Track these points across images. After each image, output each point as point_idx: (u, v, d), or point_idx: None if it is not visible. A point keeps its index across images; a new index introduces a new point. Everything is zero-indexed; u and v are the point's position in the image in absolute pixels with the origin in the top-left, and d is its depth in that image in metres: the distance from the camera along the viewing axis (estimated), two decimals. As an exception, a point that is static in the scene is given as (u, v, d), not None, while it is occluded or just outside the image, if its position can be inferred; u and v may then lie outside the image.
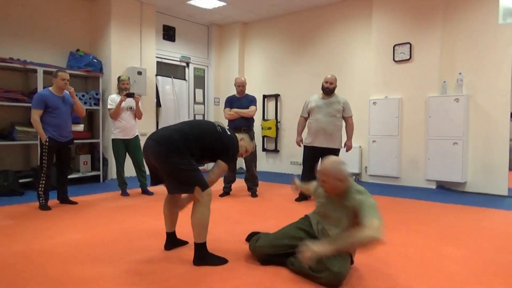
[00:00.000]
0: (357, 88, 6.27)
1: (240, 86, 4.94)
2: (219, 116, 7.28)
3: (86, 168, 5.95)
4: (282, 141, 7.37)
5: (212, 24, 7.84)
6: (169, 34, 7.22)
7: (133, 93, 4.80)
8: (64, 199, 4.33)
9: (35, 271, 2.37)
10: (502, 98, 5.05)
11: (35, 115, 3.96)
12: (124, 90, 4.80)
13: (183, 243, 2.84)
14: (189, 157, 2.45)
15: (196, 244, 2.48)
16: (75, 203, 4.33)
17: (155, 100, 6.85)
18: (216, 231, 3.19)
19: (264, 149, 7.56)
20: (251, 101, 4.91)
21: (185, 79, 7.60)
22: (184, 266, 2.45)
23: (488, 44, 5.13)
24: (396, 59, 5.73)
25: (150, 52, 6.67)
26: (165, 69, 7.21)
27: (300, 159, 5.15)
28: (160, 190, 4.26)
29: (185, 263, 2.50)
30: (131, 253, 2.70)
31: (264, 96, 7.52)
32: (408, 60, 5.64)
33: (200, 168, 2.53)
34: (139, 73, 6.29)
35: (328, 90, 4.49)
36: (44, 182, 4.05)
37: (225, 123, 3.46)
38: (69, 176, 4.90)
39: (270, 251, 2.44)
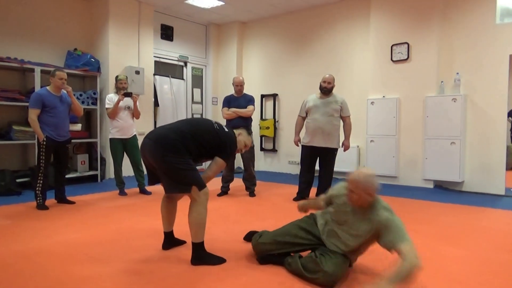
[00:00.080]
0: (355, 88, 6.27)
1: (238, 85, 4.94)
2: (217, 116, 7.27)
3: (84, 167, 5.93)
4: (280, 141, 7.38)
5: (210, 23, 7.83)
6: (167, 33, 7.21)
7: (131, 93, 4.79)
8: (61, 199, 4.32)
9: (34, 271, 2.36)
10: (499, 97, 5.06)
11: (33, 114, 3.95)
12: (122, 89, 4.79)
13: (181, 242, 2.84)
14: (186, 156, 2.44)
15: (193, 244, 2.48)
16: (72, 202, 4.32)
17: (153, 99, 6.84)
18: (214, 230, 3.19)
19: (262, 149, 7.56)
20: (249, 100, 4.91)
21: (183, 79, 7.59)
22: (182, 266, 2.45)
23: (486, 44, 5.15)
24: (394, 59, 5.74)
25: (148, 52, 6.66)
26: (163, 68, 7.20)
27: (298, 158, 5.15)
28: (158, 189, 4.25)
29: (183, 262, 2.50)
30: (129, 252, 2.70)
31: (262, 96, 7.52)
32: (406, 60, 5.65)
33: (198, 167, 2.52)
34: (137, 72, 6.28)
35: (326, 90, 4.49)
36: (41, 181, 4.04)
37: (223, 123, 3.45)
38: (67, 176, 4.90)
39: (272, 248, 2.44)
